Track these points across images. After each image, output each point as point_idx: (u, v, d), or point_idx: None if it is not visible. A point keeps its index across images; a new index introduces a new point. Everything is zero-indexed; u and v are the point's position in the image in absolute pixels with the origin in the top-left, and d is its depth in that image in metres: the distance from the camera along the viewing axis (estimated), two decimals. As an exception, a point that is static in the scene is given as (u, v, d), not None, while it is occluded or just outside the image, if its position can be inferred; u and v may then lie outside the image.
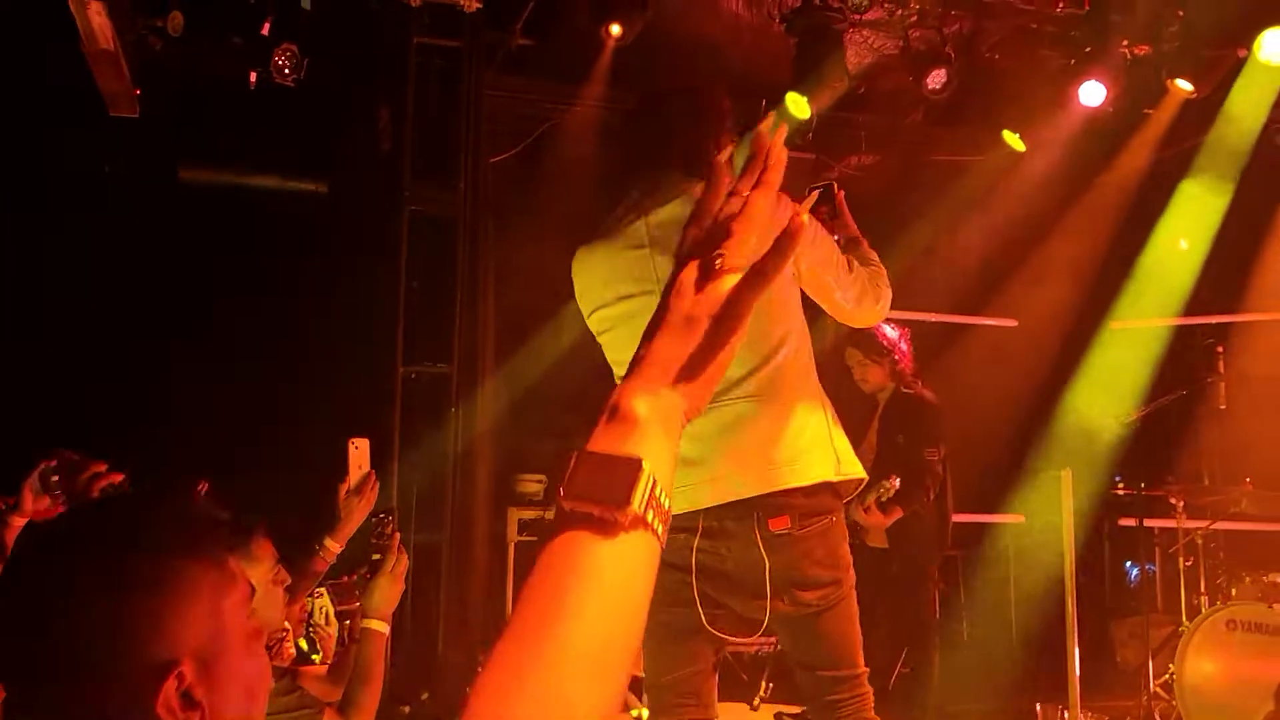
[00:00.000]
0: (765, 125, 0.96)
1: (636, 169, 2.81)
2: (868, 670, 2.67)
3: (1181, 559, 5.56)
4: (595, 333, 2.84)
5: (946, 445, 5.13)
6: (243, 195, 5.97)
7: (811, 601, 2.57)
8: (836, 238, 2.88)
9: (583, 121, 6.40)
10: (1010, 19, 6.05)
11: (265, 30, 5.28)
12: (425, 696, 5.45)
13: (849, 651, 2.65)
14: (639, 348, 0.91)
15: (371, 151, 6.18)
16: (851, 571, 2.66)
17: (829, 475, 2.57)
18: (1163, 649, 5.47)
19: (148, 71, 5.01)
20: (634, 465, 0.83)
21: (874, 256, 2.91)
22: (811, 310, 2.73)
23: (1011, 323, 7.37)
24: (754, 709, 5.42)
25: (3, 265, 5.04)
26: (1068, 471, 4.95)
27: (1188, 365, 6.16)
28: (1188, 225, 6.84)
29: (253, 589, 1.17)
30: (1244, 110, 6.04)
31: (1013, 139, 6.61)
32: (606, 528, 0.82)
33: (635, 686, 5.56)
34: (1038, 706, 5.63)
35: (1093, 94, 6.02)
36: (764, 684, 5.46)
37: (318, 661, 3.99)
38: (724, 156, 0.90)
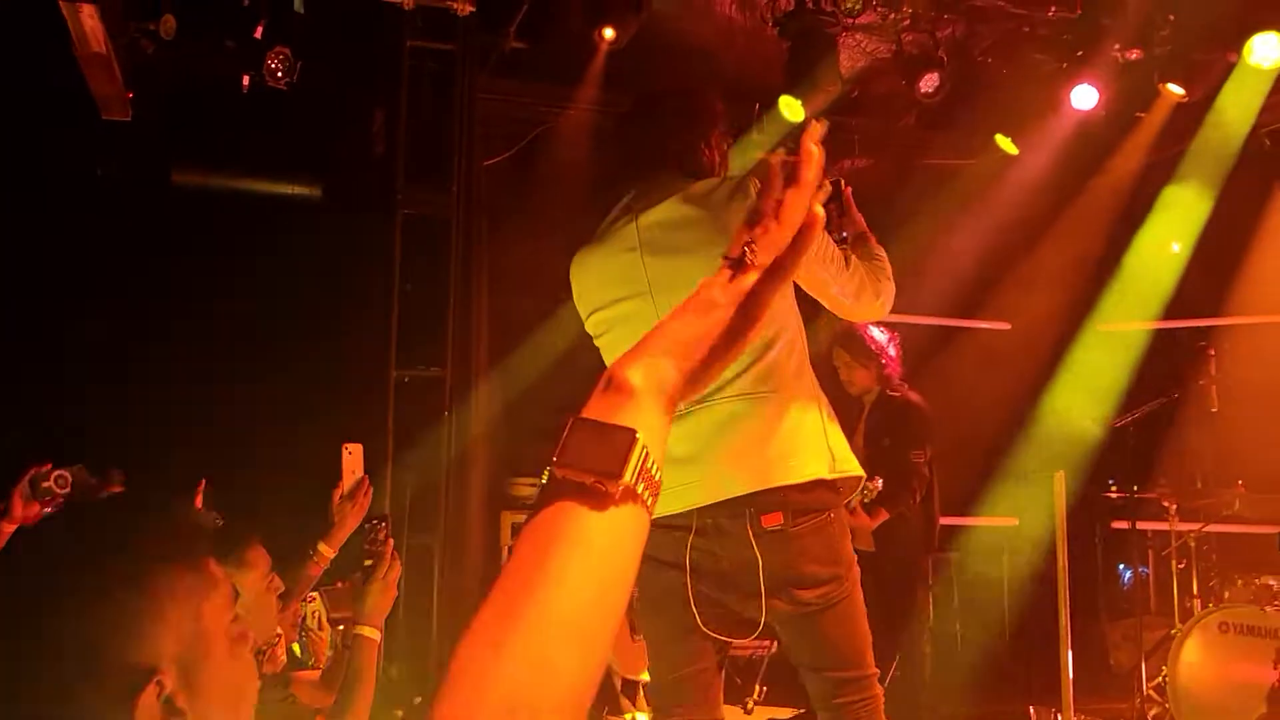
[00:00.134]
0: (811, 130, 0.99)
1: (630, 171, 2.80)
2: (878, 672, 2.63)
3: (1174, 561, 5.57)
4: (593, 336, 2.84)
5: (933, 447, 5.14)
6: (236, 198, 5.96)
7: (811, 600, 2.54)
8: (845, 234, 2.89)
9: (576, 125, 6.40)
10: (1002, 23, 6.07)
11: (258, 33, 5.27)
12: (418, 701, 5.44)
13: (856, 651, 2.60)
14: (654, 328, 0.92)
15: (365, 155, 6.18)
16: (855, 568, 2.63)
17: (823, 472, 2.55)
18: (1156, 651, 5.48)
19: (140, 74, 5.00)
20: (628, 436, 0.84)
21: (880, 252, 2.90)
22: (806, 311, 2.72)
23: (1005, 326, 7.39)
24: (748, 712, 5.42)
25: (-4, 268, 5.03)
26: (1060, 474, 4.95)
27: (1179, 368, 6.17)
28: (1175, 228, 6.87)
29: (235, 591, 1.16)
30: (1232, 114, 6.06)
31: (1005, 142, 6.63)
32: (597, 498, 0.83)
33: (629, 690, 5.56)
34: (1031, 709, 5.63)
35: (1085, 98, 6.04)
36: (758, 687, 5.47)
37: (311, 666, 3.98)
38: (776, 159, 0.92)
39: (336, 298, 5.76)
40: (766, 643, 5.12)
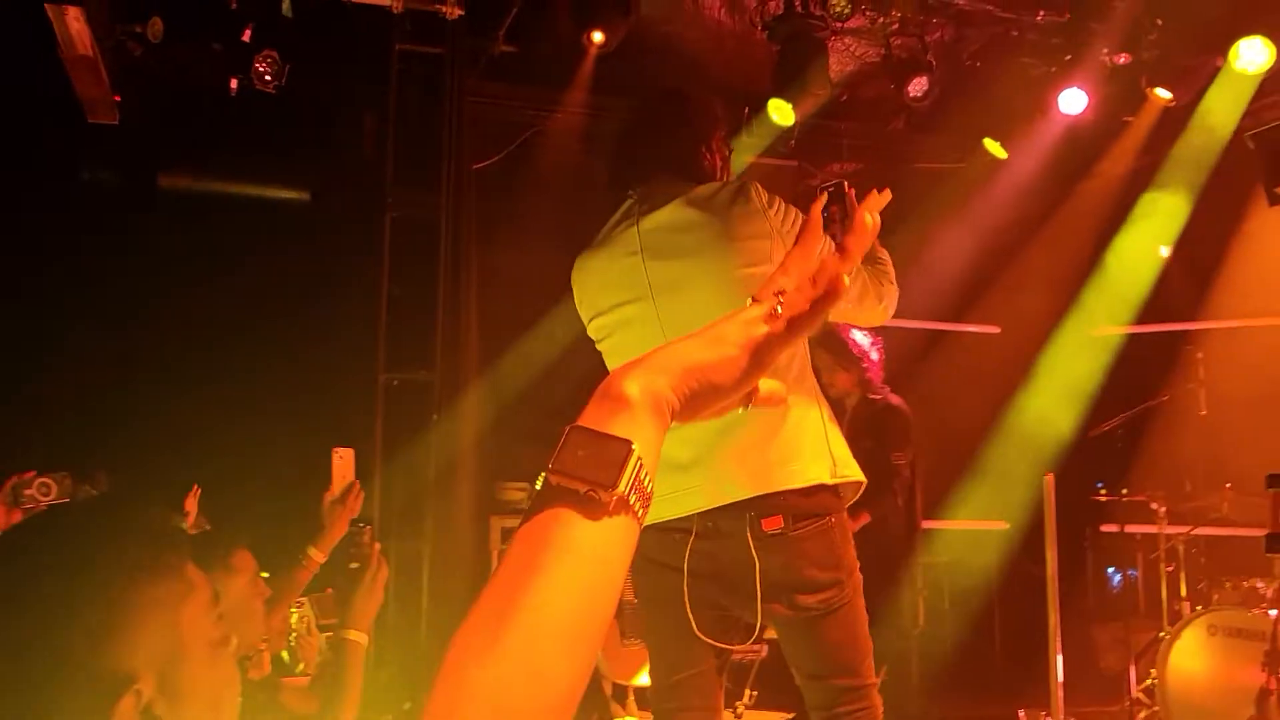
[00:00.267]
0: (871, 200, 1.00)
1: (630, 174, 2.79)
2: (877, 681, 2.61)
3: (1163, 564, 5.58)
4: (595, 340, 2.82)
5: (914, 449, 5.15)
6: (224, 202, 5.94)
7: (811, 605, 2.52)
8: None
9: (565, 128, 6.40)
10: (991, 27, 6.09)
11: (246, 36, 5.26)
12: (407, 706, 5.42)
13: (856, 660, 2.58)
14: (661, 346, 0.93)
15: (353, 158, 6.16)
16: (856, 574, 2.60)
17: (824, 477, 2.54)
18: (1145, 654, 5.49)
19: (127, 78, 4.98)
20: (624, 446, 0.84)
21: (884, 255, 2.88)
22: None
23: (994, 329, 7.40)
24: (738, 716, 5.40)
25: (-20, 274, 5.01)
26: (1050, 477, 4.96)
27: (1167, 372, 6.19)
28: (1157, 232, 6.90)
29: (216, 595, 1.15)
30: (1216, 117, 6.09)
31: (994, 146, 6.65)
32: (591, 506, 0.83)
33: (619, 694, 5.55)
34: (1021, 713, 5.63)
35: (1073, 101, 6.06)
36: (748, 691, 5.45)
37: (300, 672, 3.96)
38: (818, 208, 0.93)
39: (325, 301, 5.74)
40: (757, 647, 5.11)
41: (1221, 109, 6.00)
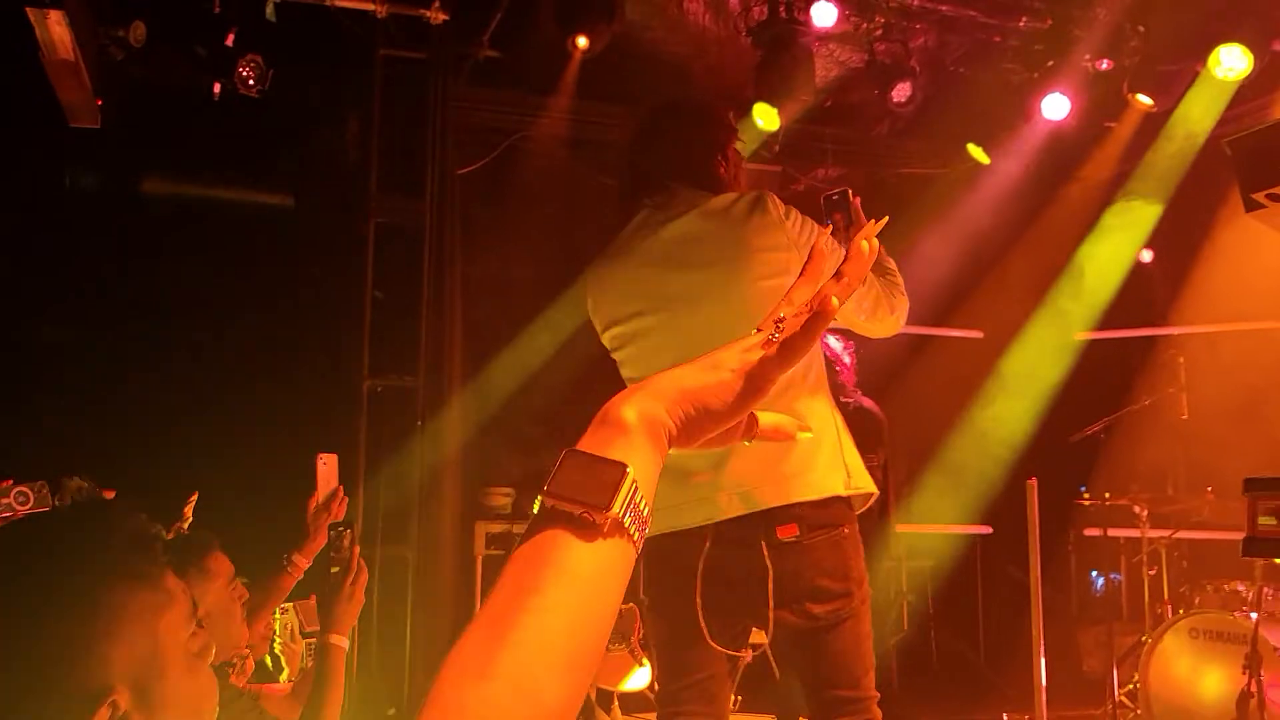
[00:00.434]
0: (869, 226, 1.01)
1: (645, 185, 2.78)
2: (878, 695, 2.61)
3: (1145, 568, 5.61)
4: (610, 350, 2.81)
5: (885, 453, 5.17)
6: (207, 207, 5.92)
7: (821, 615, 2.53)
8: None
9: (550, 133, 6.40)
10: (974, 33, 6.11)
11: (229, 41, 5.25)
12: (392, 712, 5.41)
13: (859, 672, 2.59)
14: (661, 372, 0.94)
15: (337, 163, 6.15)
16: (865, 586, 2.62)
17: (839, 489, 2.55)
18: (1127, 657, 5.52)
19: (110, 82, 4.96)
20: (618, 469, 0.85)
21: (891, 264, 2.89)
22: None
23: (977, 334, 7.43)
24: None
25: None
26: (1033, 481, 4.97)
27: (1148, 376, 6.22)
28: (1133, 237, 6.95)
29: (194, 605, 1.14)
30: (1193, 123, 6.13)
31: (977, 152, 6.67)
32: (585, 528, 0.84)
33: (603, 699, 5.54)
34: (1004, 716, 5.66)
35: (1056, 107, 6.09)
36: (733, 696, 5.45)
37: (284, 678, 3.95)
38: (822, 240, 0.95)
39: (308, 306, 5.73)
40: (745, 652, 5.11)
41: (1198, 115, 6.04)
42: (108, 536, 1.12)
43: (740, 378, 0.92)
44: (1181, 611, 5.21)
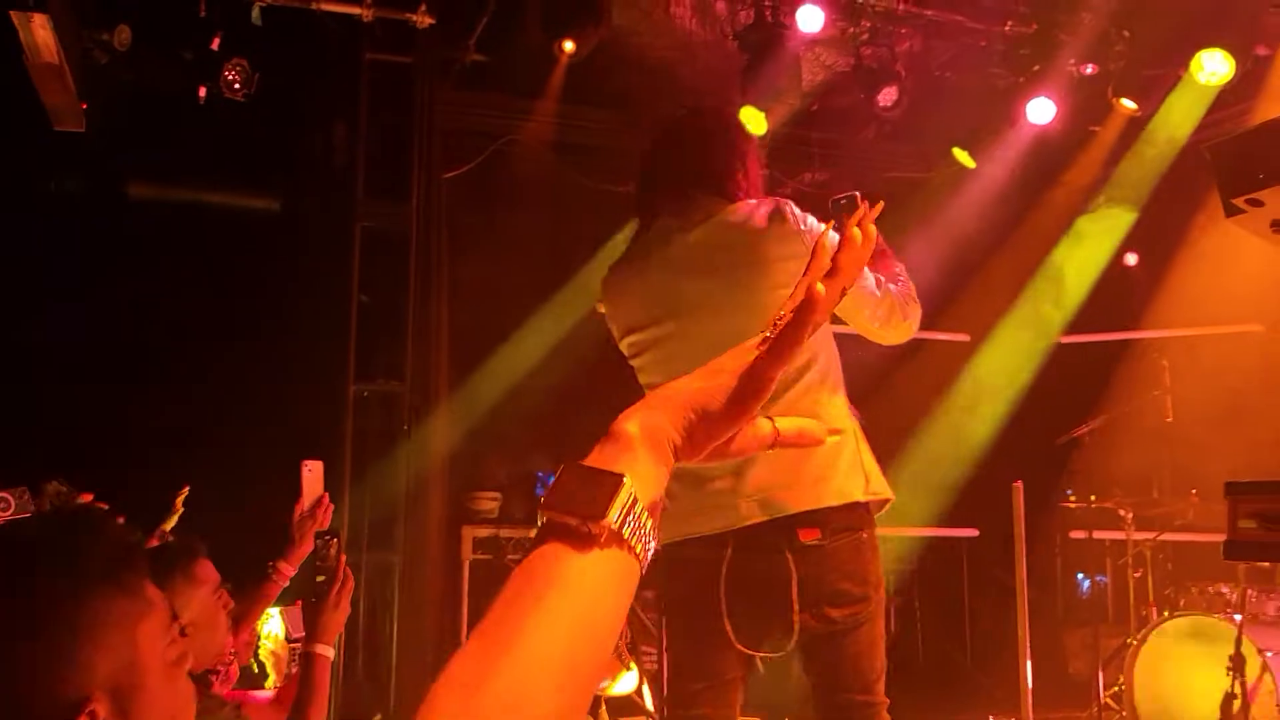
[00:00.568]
0: (866, 212, 0.99)
1: (665, 192, 2.77)
2: (888, 702, 2.62)
3: (1131, 570, 5.63)
4: (627, 357, 2.81)
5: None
6: (192, 212, 5.90)
7: (839, 619, 2.54)
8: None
9: (537, 137, 6.40)
10: (960, 37, 6.13)
11: (215, 44, 5.23)
12: (378, 718, 5.39)
13: (872, 677, 2.60)
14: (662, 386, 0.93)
15: (323, 167, 6.14)
16: (882, 591, 2.63)
17: (859, 495, 2.56)
18: (1113, 660, 5.53)
19: (94, 85, 4.94)
20: (614, 480, 0.84)
21: (902, 271, 2.89)
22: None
23: (964, 337, 7.44)
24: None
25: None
26: (1019, 484, 4.98)
27: (1132, 379, 6.24)
28: (1112, 240, 6.98)
29: (173, 613, 1.13)
30: (1173, 128, 6.15)
31: (963, 156, 6.69)
32: (581, 539, 0.83)
33: (593, 708, 5.54)
34: (990, 718, 5.67)
35: (1041, 111, 6.11)
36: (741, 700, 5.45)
37: (270, 684, 3.94)
38: (825, 237, 0.93)
39: (294, 311, 5.71)
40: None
41: (1179, 120, 6.07)
42: (87, 545, 1.11)
43: (734, 377, 0.92)
44: (1166, 613, 5.23)
